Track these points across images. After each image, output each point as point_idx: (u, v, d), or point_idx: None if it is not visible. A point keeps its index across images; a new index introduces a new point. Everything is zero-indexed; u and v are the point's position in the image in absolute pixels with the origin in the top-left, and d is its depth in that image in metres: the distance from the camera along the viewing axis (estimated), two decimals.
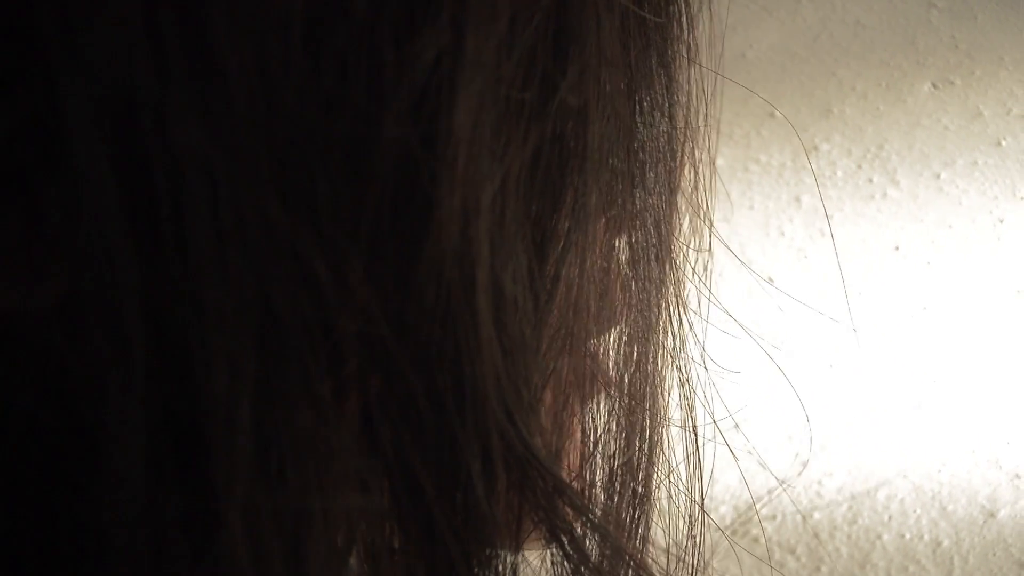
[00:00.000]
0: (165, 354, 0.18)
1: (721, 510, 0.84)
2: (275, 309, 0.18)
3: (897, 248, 0.83)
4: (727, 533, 0.84)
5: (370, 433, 0.21)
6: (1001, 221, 0.82)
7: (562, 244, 0.23)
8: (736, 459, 0.34)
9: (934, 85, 0.80)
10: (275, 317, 0.18)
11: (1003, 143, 0.81)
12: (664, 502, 0.32)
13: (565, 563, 0.24)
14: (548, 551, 0.25)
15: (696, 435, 0.33)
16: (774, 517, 0.84)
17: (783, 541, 0.84)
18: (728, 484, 0.84)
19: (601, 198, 0.24)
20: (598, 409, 0.29)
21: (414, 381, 0.20)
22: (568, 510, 0.23)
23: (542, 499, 0.22)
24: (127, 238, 0.17)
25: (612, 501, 0.29)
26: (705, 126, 0.32)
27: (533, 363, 0.22)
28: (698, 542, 0.33)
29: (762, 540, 0.85)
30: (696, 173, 0.34)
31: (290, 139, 0.17)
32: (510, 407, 0.21)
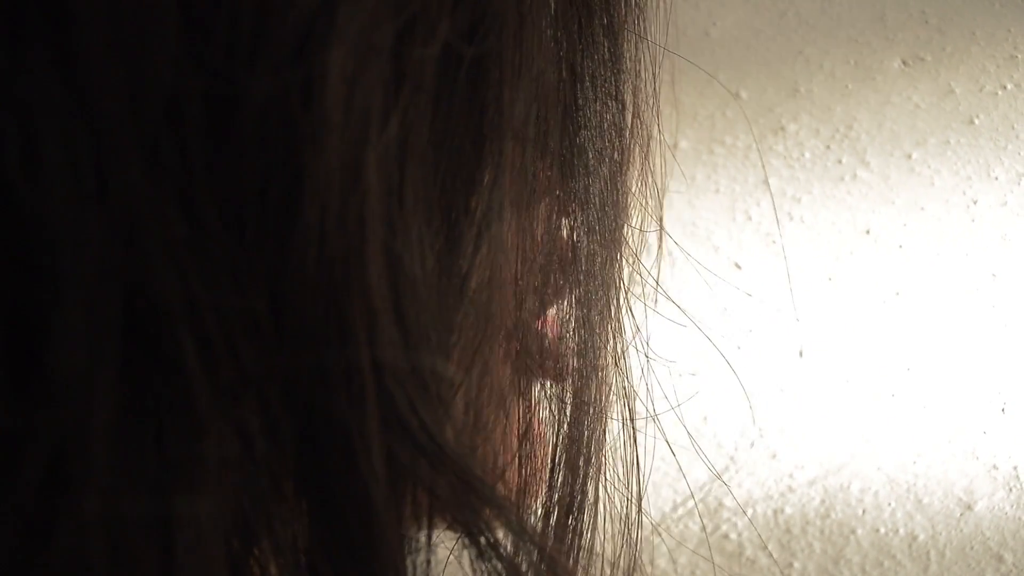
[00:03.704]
0: (16, 337, 0.17)
1: (688, 504, 0.82)
2: (141, 281, 0.17)
3: (868, 231, 0.81)
4: (704, 530, 0.82)
5: (250, 422, 0.19)
6: (975, 202, 0.80)
7: (480, 224, 0.21)
8: (674, 453, 0.32)
9: (904, 62, 0.78)
10: (141, 290, 0.17)
11: (976, 121, 0.79)
12: (610, 501, 0.31)
13: (483, 567, 0.22)
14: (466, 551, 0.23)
15: (635, 429, 0.32)
16: (744, 512, 0.83)
17: (754, 537, 0.83)
18: (696, 479, 0.83)
19: (528, 176, 0.23)
20: (535, 403, 0.28)
21: (294, 363, 0.18)
22: (487, 511, 0.22)
23: (454, 499, 0.21)
24: None
25: (551, 502, 0.28)
26: (655, 103, 0.31)
27: (442, 350, 0.21)
28: (635, 541, 0.32)
29: (732, 536, 0.83)
30: (647, 156, 0.32)
31: (153, 95, 0.16)
32: (413, 397, 0.19)
